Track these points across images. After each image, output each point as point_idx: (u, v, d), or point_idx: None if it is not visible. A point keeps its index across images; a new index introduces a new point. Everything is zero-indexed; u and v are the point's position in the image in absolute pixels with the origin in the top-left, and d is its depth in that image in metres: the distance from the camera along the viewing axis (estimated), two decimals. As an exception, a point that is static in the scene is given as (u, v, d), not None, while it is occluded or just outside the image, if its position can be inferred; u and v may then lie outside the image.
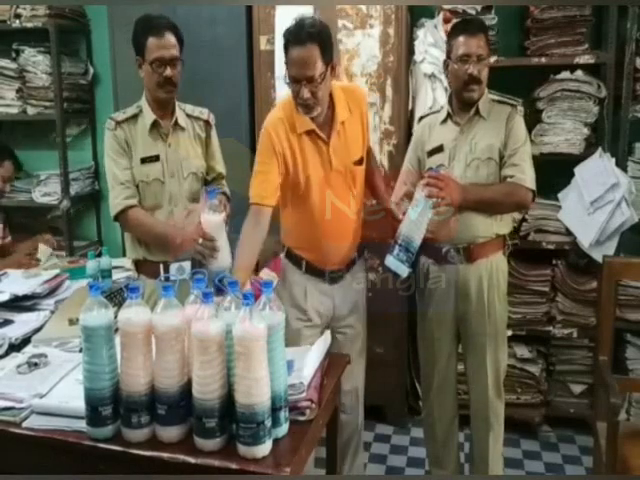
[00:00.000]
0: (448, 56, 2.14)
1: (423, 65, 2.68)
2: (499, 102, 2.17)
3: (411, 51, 2.74)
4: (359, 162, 2.07)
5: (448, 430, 2.33)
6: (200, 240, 1.94)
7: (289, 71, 1.86)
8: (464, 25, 2.15)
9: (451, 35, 2.13)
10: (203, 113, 2.26)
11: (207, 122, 2.26)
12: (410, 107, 2.75)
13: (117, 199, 2.13)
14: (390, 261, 2.01)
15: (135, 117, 2.16)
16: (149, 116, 2.14)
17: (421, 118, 2.37)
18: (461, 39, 2.07)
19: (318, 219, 2.03)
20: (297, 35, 1.83)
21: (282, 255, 2.17)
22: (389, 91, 2.73)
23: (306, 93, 1.85)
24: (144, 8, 2.50)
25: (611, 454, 1.84)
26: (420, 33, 2.72)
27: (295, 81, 1.86)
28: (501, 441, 2.29)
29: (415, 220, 1.96)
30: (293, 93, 1.90)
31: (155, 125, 2.15)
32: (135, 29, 2.10)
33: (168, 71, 2.05)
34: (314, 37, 1.82)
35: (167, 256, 2.13)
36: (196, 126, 2.24)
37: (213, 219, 1.96)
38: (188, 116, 2.23)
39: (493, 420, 2.25)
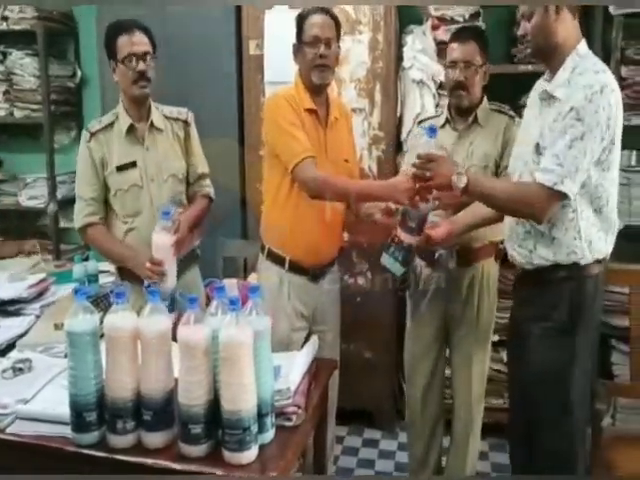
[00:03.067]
0: (446, 62, 2.19)
1: (412, 71, 2.69)
2: (498, 112, 2.20)
3: (400, 57, 2.75)
4: (347, 162, 2.14)
5: (432, 433, 2.35)
6: (148, 264, 1.98)
7: (310, 32, 2.00)
8: (458, 32, 2.22)
9: (448, 42, 2.19)
10: (182, 113, 2.25)
11: (186, 122, 2.25)
12: (399, 113, 2.76)
13: (78, 215, 2.16)
14: (385, 259, 2.00)
15: (111, 125, 2.15)
16: (125, 120, 2.13)
17: (420, 122, 2.38)
18: (453, 45, 2.13)
19: (308, 208, 2.03)
20: (318, 8, 2.06)
21: (261, 257, 2.16)
22: (378, 97, 2.74)
23: (325, 51, 2.00)
24: (132, 11, 2.50)
25: (595, 459, 1.85)
26: (409, 39, 2.73)
27: (317, 41, 1.99)
28: (479, 440, 2.36)
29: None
30: (312, 56, 2.00)
31: (131, 129, 2.14)
32: (106, 34, 2.11)
33: (141, 65, 2.05)
34: (330, 12, 2.07)
35: None
36: (175, 127, 2.22)
37: (163, 241, 1.98)
38: (166, 117, 2.21)
39: (475, 423, 2.30)
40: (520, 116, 2.68)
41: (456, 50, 2.10)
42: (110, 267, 2.37)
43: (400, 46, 2.76)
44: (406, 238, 1.92)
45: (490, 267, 2.23)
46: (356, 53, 2.72)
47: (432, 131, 1.81)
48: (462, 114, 2.17)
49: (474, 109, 2.15)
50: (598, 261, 1.74)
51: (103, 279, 2.38)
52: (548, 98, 1.73)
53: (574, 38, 1.70)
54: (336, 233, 2.17)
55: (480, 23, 2.66)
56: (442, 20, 2.64)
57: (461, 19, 2.64)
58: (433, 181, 1.74)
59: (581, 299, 1.72)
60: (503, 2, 2.61)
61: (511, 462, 1.99)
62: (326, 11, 2.05)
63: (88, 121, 3.37)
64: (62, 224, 3.42)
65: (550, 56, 1.72)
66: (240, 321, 1.28)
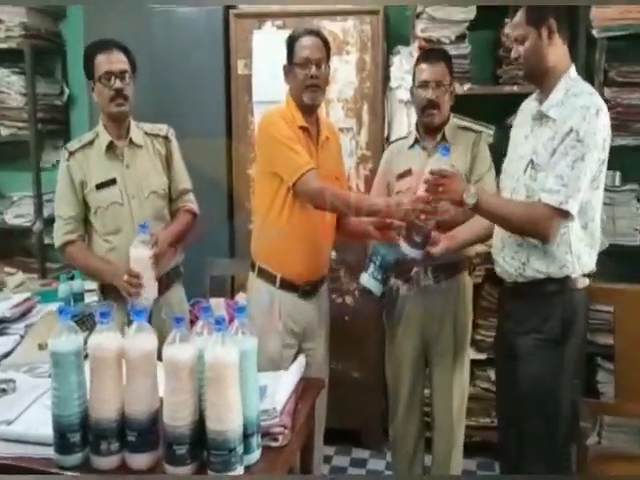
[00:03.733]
0: (413, 83, 2.23)
1: (399, 91, 2.72)
2: (464, 129, 2.26)
3: (387, 78, 2.78)
4: (337, 179, 2.18)
5: (415, 451, 2.35)
6: (125, 277, 1.98)
7: (301, 54, 2.03)
8: (426, 54, 2.28)
9: (416, 63, 2.25)
10: (162, 129, 2.25)
11: (167, 138, 2.25)
12: (386, 133, 2.78)
13: (57, 233, 2.16)
14: (365, 279, 2.06)
15: (91, 143, 2.15)
16: (104, 138, 2.13)
17: (390, 144, 2.42)
18: (422, 66, 2.18)
19: (304, 223, 2.04)
20: (307, 29, 2.11)
21: (251, 275, 2.16)
22: (365, 117, 2.77)
23: (316, 71, 2.03)
24: (120, 29, 2.51)
25: (581, 477, 1.85)
26: (396, 60, 2.76)
27: (307, 63, 2.02)
28: (462, 458, 2.36)
29: None
30: (303, 77, 2.03)
31: (111, 146, 2.14)
32: (85, 53, 2.13)
33: (118, 83, 2.05)
34: (319, 34, 2.11)
35: None
36: (156, 143, 2.22)
37: (140, 254, 1.98)
38: (147, 134, 2.21)
39: (457, 439, 2.30)
40: (506, 135, 2.73)
41: (426, 71, 2.16)
42: (96, 286, 2.35)
43: (387, 67, 2.79)
44: (411, 252, 1.96)
45: (465, 281, 2.27)
46: (344, 73, 2.75)
47: (446, 150, 1.88)
48: (431, 133, 2.22)
49: (442, 128, 2.21)
50: (585, 275, 1.78)
51: (89, 298, 2.36)
52: (541, 118, 1.78)
53: (565, 62, 1.77)
54: (326, 250, 2.18)
55: (466, 45, 2.70)
56: (429, 41, 2.67)
57: (447, 41, 2.67)
58: (445, 196, 1.78)
59: (571, 313, 1.77)
60: (500, 2, 2.60)
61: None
62: (316, 33, 2.09)
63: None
64: (48, 242, 3.39)
65: (542, 79, 1.79)
66: (226, 341, 1.28)
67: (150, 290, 2.02)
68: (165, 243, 2.08)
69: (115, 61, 2.07)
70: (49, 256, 3.45)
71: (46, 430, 1.39)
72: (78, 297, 2.30)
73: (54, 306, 2.24)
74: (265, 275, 2.12)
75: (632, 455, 2.16)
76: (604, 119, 1.68)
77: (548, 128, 1.74)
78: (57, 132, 3.46)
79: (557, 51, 1.75)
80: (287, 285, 2.09)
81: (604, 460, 1.99)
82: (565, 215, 1.68)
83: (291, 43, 2.07)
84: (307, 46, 2.03)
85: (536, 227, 1.70)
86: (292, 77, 2.06)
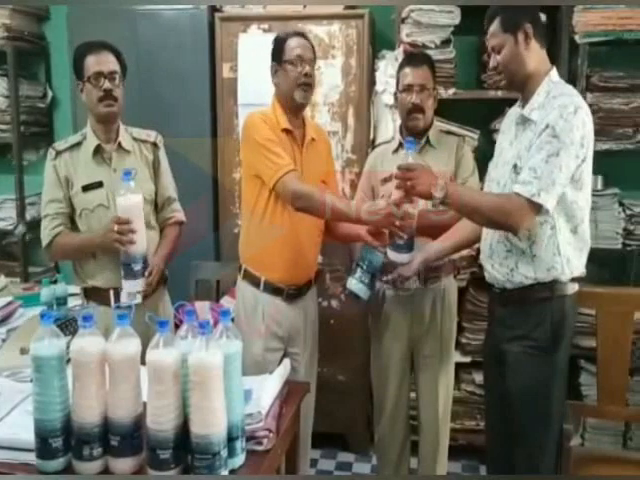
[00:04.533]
0: (397, 87, 2.24)
1: (384, 96, 2.73)
2: (447, 133, 2.28)
3: (373, 82, 2.79)
4: (324, 182, 2.16)
5: (400, 454, 2.36)
6: (115, 227, 1.94)
7: (293, 53, 2.02)
8: (409, 58, 2.29)
9: (399, 68, 2.25)
10: (150, 135, 2.24)
11: (155, 144, 2.24)
12: (372, 136, 2.79)
13: (44, 231, 2.13)
14: (353, 284, 2.05)
15: (79, 145, 2.13)
16: (92, 141, 2.12)
17: (374, 148, 2.42)
18: (406, 70, 2.19)
19: (285, 228, 2.04)
20: (294, 32, 2.12)
21: (239, 278, 2.16)
22: (351, 120, 2.78)
23: (310, 69, 2.04)
24: (104, 32, 2.49)
25: (571, 477, 1.87)
26: (381, 64, 2.77)
27: (301, 61, 2.02)
28: (446, 460, 2.37)
29: None
30: (296, 75, 2.02)
31: (98, 150, 2.12)
32: (75, 54, 2.11)
33: (107, 84, 2.04)
34: (307, 37, 2.12)
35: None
36: (143, 149, 2.21)
37: (128, 201, 1.94)
38: (135, 139, 2.20)
39: (442, 442, 2.31)
40: (490, 139, 2.75)
41: (410, 75, 2.17)
42: (79, 289, 2.33)
43: (373, 71, 2.80)
44: (397, 258, 1.97)
45: (451, 285, 2.28)
46: (330, 77, 2.76)
47: (410, 143, 1.91)
48: (416, 137, 2.21)
49: (427, 132, 2.22)
50: (575, 280, 1.80)
51: (72, 302, 2.34)
52: (524, 122, 1.79)
53: (544, 65, 1.79)
54: (312, 254, 2.17)
55: (450, 49, 2.72)
56: (414, 46, 2.68)
57: (432, 45, 2.69)
58: (414, 191, 1.77)
59: (560, 318, 1.78)
60: (498, 3, 2.60)
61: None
62: (304, 35, 2.10)
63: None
64: (30, 246, 3.36)
65: (523, 84, 1.80)
66: (211, 344, 1.27)
67: (141, 238, 1.98)
68: (160, 269, 2.08)
69: (105, 62, 2.05)
70: (31, 260, 3.42)
71: (27, 435, 1.37)
72: (61, 301, 2.27)
73: (37, 310, 2.22)
74: (250, 278, 2.12)
75: (614, 457, 2.19)
76: (583, 117, 1.68)
77: (530, 131, 1.75)
78: (40, 135, 3.43)
79: (535, 56, 1.76)
80: (271, 288, 2.09)
81: (587, 462, 2.01)
82: (537, 208, 1.67)
83: (280, 43, 2.06)
84: (299, 45, 2.04)
85: (507, 218, 1.69)
86: (283, 75, 2.05)
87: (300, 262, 2.11)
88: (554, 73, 1.80)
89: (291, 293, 2.11)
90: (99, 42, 2.10)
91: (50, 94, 3.41)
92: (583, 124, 1.68)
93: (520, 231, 1.72)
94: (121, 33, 2.78)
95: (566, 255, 1.76)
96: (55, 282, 2.37)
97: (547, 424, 1.79)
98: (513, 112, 1.90)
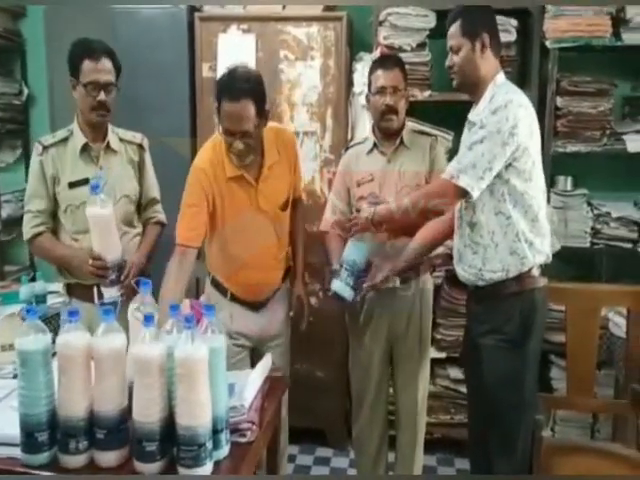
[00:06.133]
0: (369, 90, 2.27)
1: (362, 97, 2.77)
2: (420, 133, 2.32)
3: (351, 83, 2.84)
4: (285, 205, 2.15)
5: (379, 449, 2.40)
6: (90, 261, 1.97)
7: (222, 123, 1.88)
8: (381, 61, 2.32)
9: (371, 71, 2.28)
10: (136, 137, 2.26)
11: (140, 146, 2.26)
12: (349, 136, 2.84)
13: (25, 227, 2.15)
14: (338, 285, 2.09)
15: (65, 140, 2.14)
16: (79, 139, 2.13)
17: (347, 148, 2.46)
18: (379, 73, 2.22)
19: (242, 259, 2.07)
20: (231, 90, 1.84)
21: (207, 281, 2.20)
22: (329, 121, 2.82)
23: (240, 145, 1.89)
24: (81, 28, 2.49)
25: (537, 467, 1.94)
26: (359, 66, 2.82)
27: (229, 134, 1.89)
28: (422, 451, 2.42)
29: (358, 245, 2.07)
30: (226, 144, 1.93)
31: (86, 148, 2.13)
32: (72, 50, 2.10)
33: (102, 96, 2.05)
34: (248, 92, 1.85)
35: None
36: (129, 150, 2.23)
37: (97, 213, 1.92)
38: (121, 140, 2.22)
39: (420, 435, 2.37)
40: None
41: (382, 77, 2.20)
42: (59, 287, 2.33)
43: (351, 72, 2.85)
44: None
45: (427, 281, 2.34)
46: (308, 78, 2.79)
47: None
48: (389, 138, 2.27)
49: (400, 132, 2.26)
50: (542, 272, 1.89)
51: (52, 300, 2.34)
52: (472, 126, 1.88)
53: (493, 71, 1.88)
54: (274, 277, 2.19)
55: (426, 52, 2.78)
56: (391, 48, 2.73)
57: (408, 48, 2.74)
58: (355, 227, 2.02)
59: (530, 311, 1.86)
60: (498, 4, 2.65)
61: (472, 470, 2.09)
62: (244, 95, 1.86)
63: (35, 139, 3.33)
64: (7, 244, 3.34)
65: (473, 89, 1.91)
66: (196, 338, 1.30)
67: (113, 250, 2.00)
68: (139, 268, 2.10)
69: (102, 71, 2.05)
70: (7, 258, 3.39)
71: (11, 430, 1.39)
72: (40, 299, 2.27)
73: (15, 308, 2.21)
74: (217, 286, 2.16)
75: (583, 447, 2.26)
76: (514, 110, 1.76)
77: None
78: (16, 132, 3.41)
79: (488, 64, 1.86)
80: (237, 300, 2.13)
81: (557, 451, 2.09)
82: (458, 190, 1.78)
83: (219, 101, 1.87)
84: (230, 117, 1.85)
85: (432, 201, 1.83)
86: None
87: (262, 285, 2.15)
88: (500, 76, 1.89)
89: (257, 304, 2.16)
90: (97, 44, 2.09)
91: (26, 91, 3.39)
92: (514, 116, 1.76)
93: (446, 211, 1.88)
94: (99, 31, 2.75)
95: (528, 240, 1.85)
96: (34, 279, 2.37)
97: (521, 413, 1.87)
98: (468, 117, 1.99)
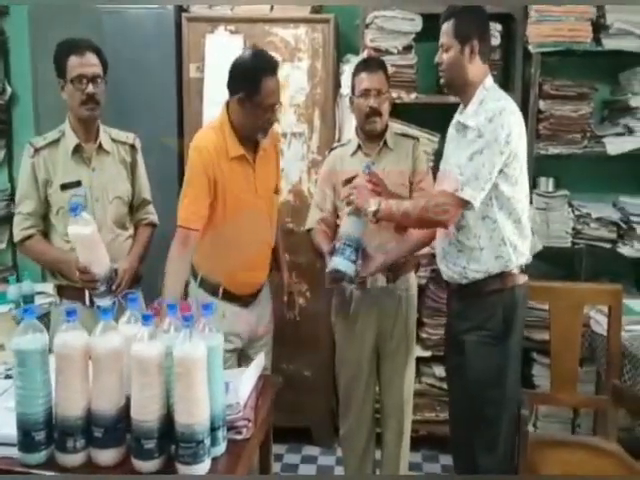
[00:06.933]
0: (353, 92, 2.30)
1: (349, 98, 2.81)
2: (402, 135, 2.36)
3: (338, 84, 2.87)
4: (276, 189, 2.24)
5: (366, 447, 2.43)
6: (77, 273, 1.98)
7: (267, 100, 1.97)
8: (365, 64, 2.34)
9: (354, 74, 2.30)
10: (129, 137, 2.26)
11: (133, 146, 2.26)
12: (337, 137, 2.86)
13: (16, 229, 2.14)
14: (338, 262, 2.01)
15: (57, 142, 2.13)
16: (71, 140, 2.12)
17: (331, 149, 2.49)
18: (362, 75, 2.25)
19: (240, 242, 2.07)
20: (272, 66, 2.01)
21: (194, 285, 2.14)
22: (317, 122, 2.85)
23: (275, 116, 2.05)
24: (67, 28, 2.48)
25: (522, 461, 1.99)
26: (346, 68, 2.85)
27: (272, 110, 2.01)
28: (408, 448, 2.46)
29: (356, 220, 2.03)
30: (264, 122, 2.01)
31: (78, 149, 2.13)
32: (57, 51, 2.10)
33: (90, 88, 2.05)
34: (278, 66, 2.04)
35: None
36: (122, 150, 2.23)
37: (78, 232, 1.89)
38: (113, 140, 2.22)
39: (406, 432, 2.41)
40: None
41: (366, 80, 2.23)
42: (46, 288, 2.33)
43: (338, 74, 2.88)
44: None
45: (412, 280, 2.38)
46: (296, 79, 2.82)
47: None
48: (373, 140, 2.30)
49: (383, 134, 2.30)
50: (522, 270, 1.94)
51: (39, 300, 2.34)
52: (463, 129, 1.92)
53: (482, 75, 1.92)
54: (268, 263, 2.22)
55: (412, 55, 2.82)
56: (377, 51, 2.77)
57: (395, 51, 2.78)
58: (352, 203, 1.98)
59: (512, 307, 1.91)
60: (497, 5, 2.68)
61: (455, 466, 2.12)
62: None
63: (19, 140, 3.31)
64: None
65: (460, 90, 1.95)
66: (194, 337, 1.32)
67: (100, 265, 1.99)
68: (131, 271, 2.12)
69: (88, 64, 2.06)
70: (-10, 259, 3.35)
71: (7, 430, 1.39)
72: (28, 299, 2.27)
73: (3, 308, 2.21)
74: (208, 286, 2.12)
75: (564, 441, 2.32)
76: (508, 118, 1.81)
77: (469, 137, 1.87)
78: (-2, 131, 3.36)
79: (476, 69, 1.90)
80: (229, 296, 2.13)
81: (540, 445, 2.15)
82: (462, 202, 1.81)
83: (255, 76, 1.96)
84: (272, 88, 1.98)
85: (434, 214, 1.85)
86: (252, 113, 1.99)
87: (257, 273, 2.17)
88: (488, 80, 1.93)
89: (248, 299, 2.17)
90: (82, 41, 2.10)
91: (9, 90, 3.35)
92: (508, 124, 1.81)
93: (449, 225, 1.88)
94: (85, 31, 2.75)
95: (513, 244, 1.90)
96: (18, 280, 2.36)
97: (503, 407, 1.92)
98: (455, 119, 2.02)
